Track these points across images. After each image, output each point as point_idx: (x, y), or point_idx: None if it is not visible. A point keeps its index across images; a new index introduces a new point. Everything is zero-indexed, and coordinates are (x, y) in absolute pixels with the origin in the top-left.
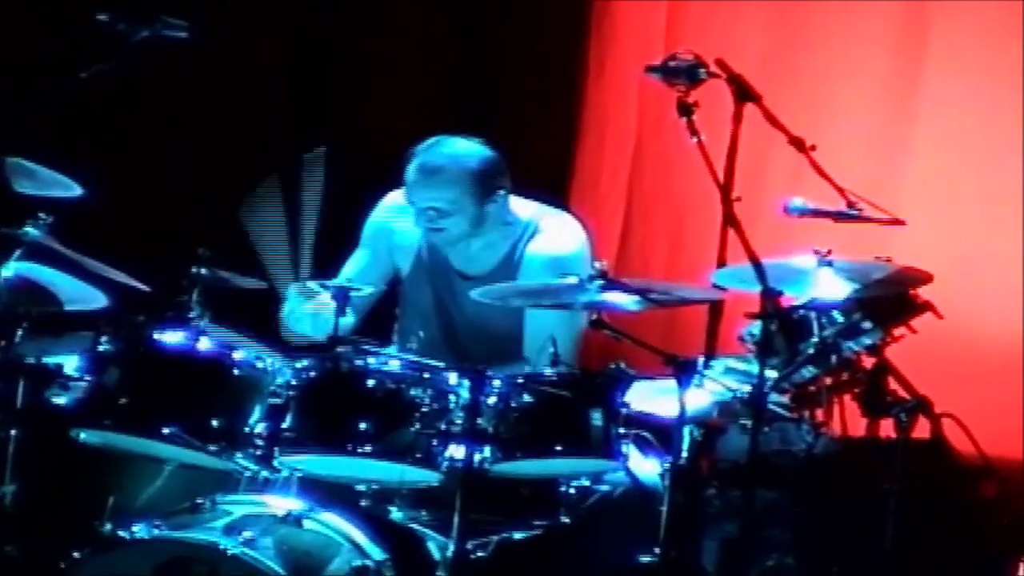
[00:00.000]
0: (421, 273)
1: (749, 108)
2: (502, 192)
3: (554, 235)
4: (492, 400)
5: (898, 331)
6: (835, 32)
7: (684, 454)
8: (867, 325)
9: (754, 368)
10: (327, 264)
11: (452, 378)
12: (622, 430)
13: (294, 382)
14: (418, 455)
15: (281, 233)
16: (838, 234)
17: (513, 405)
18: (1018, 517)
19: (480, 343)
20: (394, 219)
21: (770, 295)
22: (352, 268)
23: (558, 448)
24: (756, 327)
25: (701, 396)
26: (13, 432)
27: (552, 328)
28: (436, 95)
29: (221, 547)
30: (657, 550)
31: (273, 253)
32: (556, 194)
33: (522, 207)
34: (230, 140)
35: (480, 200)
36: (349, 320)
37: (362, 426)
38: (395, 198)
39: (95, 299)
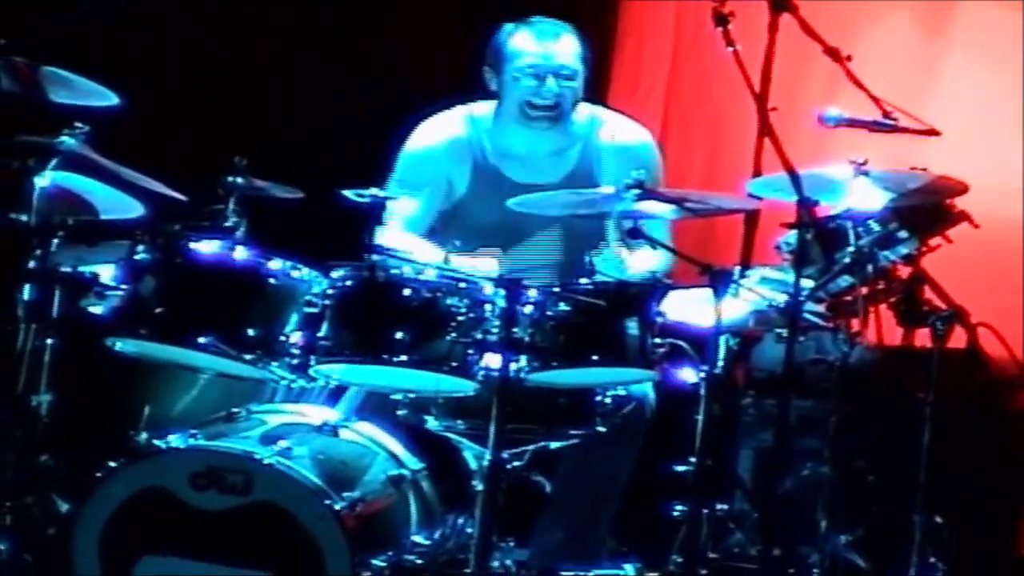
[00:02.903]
0: (477, 191)
1: (785, 18)
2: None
3: (623, 123)
4: (528, 309)
5: (934, 241)
6: None
7: (720, 363)
8: (903, 235)
9: (790, 277)
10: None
11: (488, 287)
12: (658, 340)
13: (330, 291)
14: (454, 364)
15: None
16: (873, 144)
17: (549, 314)
18: None
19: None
20: (440, 144)
21: (806, 205)
22: (413, 208)
23: (594, 358)
24: (792, 236)
25: (737, 305)
26: (49, 341)
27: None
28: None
29: (257, 456)
30: (692, 459)
31: None
32: (593, 104)
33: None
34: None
35: (586, 64)
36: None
37: (398, 335)
38: (432, 126)
39: (131, 208)
